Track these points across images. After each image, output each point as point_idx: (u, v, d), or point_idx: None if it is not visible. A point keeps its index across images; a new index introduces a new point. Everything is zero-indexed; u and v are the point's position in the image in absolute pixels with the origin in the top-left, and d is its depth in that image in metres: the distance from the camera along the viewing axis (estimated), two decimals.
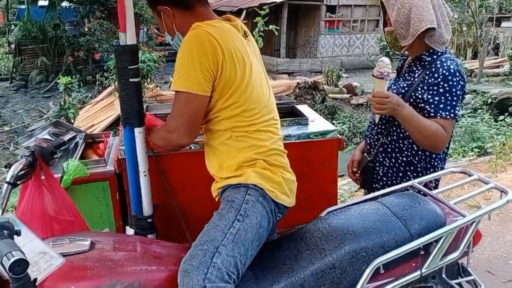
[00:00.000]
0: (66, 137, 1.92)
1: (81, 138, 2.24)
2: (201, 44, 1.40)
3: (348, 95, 12.01)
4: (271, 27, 6.52)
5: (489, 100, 10.76)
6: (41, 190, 1.65)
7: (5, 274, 1.04)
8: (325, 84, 12.27)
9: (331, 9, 16.50)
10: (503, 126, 7.51)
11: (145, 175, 1.78)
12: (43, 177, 1.66)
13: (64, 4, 13.79)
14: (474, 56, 15.84)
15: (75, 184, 1.85)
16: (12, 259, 0.96)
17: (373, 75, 1.80)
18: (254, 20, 6.66)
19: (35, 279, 1.07)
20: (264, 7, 6.47)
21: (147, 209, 1.82)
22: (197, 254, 1.33)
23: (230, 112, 1.49)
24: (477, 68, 13.79)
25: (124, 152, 1.81)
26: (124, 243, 1.53)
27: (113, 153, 2.10)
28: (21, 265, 0.97)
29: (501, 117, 7.90)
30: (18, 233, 1.11)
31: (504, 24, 19.38)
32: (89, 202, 1.95)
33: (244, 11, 12.59)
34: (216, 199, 1.62)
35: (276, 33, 7.22)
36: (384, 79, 1.75)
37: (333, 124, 9.16)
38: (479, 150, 6.40)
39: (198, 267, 1.29)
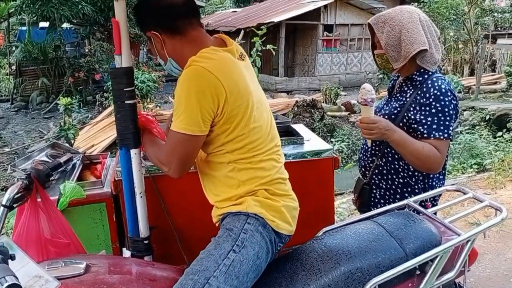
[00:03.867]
0: (62, 159, 1.93)
1: (78, 160, 2.26)
2: (199, 84, 1.35)
3: (347, 113, 12.08)
4: (268, 46, 6.60)
5: (487, 117, 10.82)
6: (37, 212, 1.65)
7: None
8: (323, 102, 12.36)
9: (328, 28, 16.71)
10: (502, 142, 7.51)
11: (141, 197, 1.78)
12: (39, 200, 1.67)
13: (65, 25, 13.95)
14: (471, 73, 16.00)
15: (72, 206, 1.86)
16: (6, 284, 0.96)
17: (357, 102, 1.80)
18: (252, 40, 6.75)
19: None
20: (261, 27, 6.56)
21: (143, 231, 1.82)
22: (187, 283, 1.30)
23: (233, 145, 1.45)
24: (474, 85, 13.92)
25: (121, 173, 1.82)
26: (119, 265, 1.53)
27: (110, 174, 2.11)
28: None
29: (499, 133, 7.92)
30: (12, 257, 1.11)
31: (499, 41, 19.60)
32: (86, 223, 1.96)
33: (242, 31, 12.75)
34: (217, 225, 1.59)
35: (274, 52, 7.29)
36: (369, 105, 1.74)
37: (332, 142, 9.21)
38: (478, 167, 6.39)
39: None
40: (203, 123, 1.38)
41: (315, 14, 15.96)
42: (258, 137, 1.47)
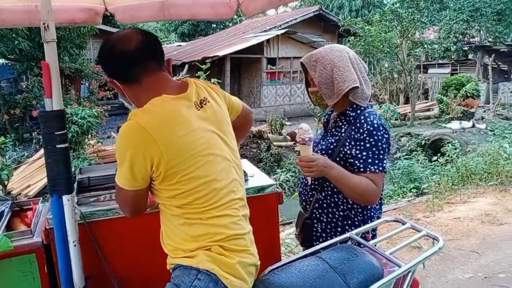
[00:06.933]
0: None
1: (7, 207, 2.11)
2: (132, 143, 1.33)
3: (292, 143, 12.27)
4: (213, 80, 6.66)
5: (423, 142, 11.42)
6: None
7: None
8: (269, 133, 12.51)
9: (272, 61, 17.20)
10: (437, 166, 7.86)
11: (75, 245, 1.68)
12: None
13: (0, 61, 13.35)
14: (406, 101, 16.88)
15: None
16: None
17: (296, 141, 1.83)
18: (197, 74, 6.78)
19: None
20: (206, 61, 6.61)
21: (78, 282, 1.71)
22: None
23: (179, 201, 1.39)
24: (409, 112, 14.70)
25: (52, 221, 1.71)
26: None
27: (41, 222, 1.98)
28: None
29: (435, 158, 8.29)
30: None
31: (430, 70, 21.07)
32: (14, 277, 1.81)
33: (187, 65, 12.80)
34: (170, 271, 1.49)
35: (219, 85, 7.35)
36: (307, 144, 1.77)
37: (278, 172, 9.27)
38: (416, 191, 6.66)
39: None
40: (134, 180, 1.37)
41: (258, 48, 16.40)
42: (207, 193, 1.39)
